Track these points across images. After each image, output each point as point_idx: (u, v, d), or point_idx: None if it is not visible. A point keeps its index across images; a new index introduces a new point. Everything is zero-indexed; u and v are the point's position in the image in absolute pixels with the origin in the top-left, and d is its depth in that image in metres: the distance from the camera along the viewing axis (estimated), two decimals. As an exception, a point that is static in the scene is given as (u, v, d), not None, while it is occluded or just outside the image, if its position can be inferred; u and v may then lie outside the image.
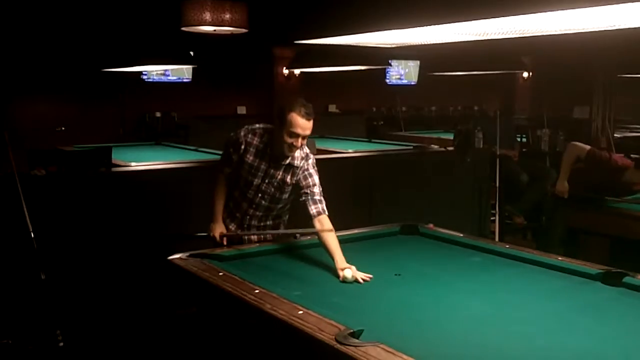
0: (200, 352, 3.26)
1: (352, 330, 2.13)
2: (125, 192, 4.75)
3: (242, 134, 3.42)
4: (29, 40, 8.02)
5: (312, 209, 3.23)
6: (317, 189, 3.31)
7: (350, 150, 6.94)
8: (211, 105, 10.20)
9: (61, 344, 3.78)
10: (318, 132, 8.66)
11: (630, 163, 4.63)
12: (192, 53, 7.17)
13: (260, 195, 3.43)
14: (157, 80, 9.72)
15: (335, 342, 2.07)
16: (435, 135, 9.03)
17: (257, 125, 3.43)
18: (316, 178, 3.34)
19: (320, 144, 6.58)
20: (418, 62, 11.95)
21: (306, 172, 3.34)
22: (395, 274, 2.95)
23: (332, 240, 3.07)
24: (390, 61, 10.10)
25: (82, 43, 8.05)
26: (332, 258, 2.99)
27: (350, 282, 2.81)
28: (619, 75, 7.90)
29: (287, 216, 3.66)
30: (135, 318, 4.42)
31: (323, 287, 2.81)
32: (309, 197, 3.27)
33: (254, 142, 3.39)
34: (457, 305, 2.60)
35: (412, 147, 7.10)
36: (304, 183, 3.33)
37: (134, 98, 9.62)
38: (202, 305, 3.12)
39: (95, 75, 8.23)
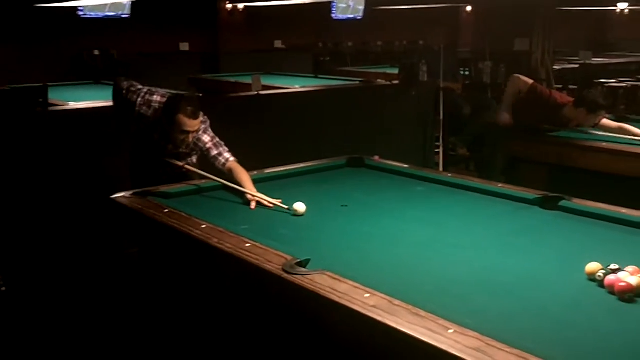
0: (148, 291, 3.26)
1: (298, 260, 2.16)
2: (64, 132, 4.60)
3: (138, 101, 3.52)
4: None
5: (217, 164, 3.38)
6: (210, 145, 3.42)
7: (297, 86, 6.87)
8: (152, 42, 9.89)
9: (3, 288, 3.73)
10: (264, 69, 8.57)
11: (569, 100, 4.72)
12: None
13: (160, 152, 3.52)
14: (94, 16, 9.33)
15: (282, 272, 2.10)
16: (381, 70, 9.02)
17: (154, 98, 3.51)
18: (206, 137, 3.44)
19: (266, 80, 6.49)
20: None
21: (195, 139, 3.42)
22: (342, 205, 2.99)
23: (243, 176, 3.19)
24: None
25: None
26: (245, 188, 3.10)
27: (301, 215, 2.83)
28: (557, 9, 8.00)
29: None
30: (81, 259, 4.37)
31: (270, 220, 2.82)
32: (209, 155, 3.41)
33: (148, 113, 3.50)
34: (402, 232, 2.66)
35: (358, 82, 7.09)
36: (198, 148, 3.46)
37: (70, 35, 9.23)
38: (148, 244, 3.10)
39: (27, 12, 7.84)
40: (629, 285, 1.98)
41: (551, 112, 4.67)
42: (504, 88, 5.04)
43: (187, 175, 3.49)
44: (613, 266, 2.09)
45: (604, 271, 2.08)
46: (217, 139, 3.45)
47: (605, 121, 4.62)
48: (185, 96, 3.46)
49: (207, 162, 3.45)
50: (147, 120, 3.49)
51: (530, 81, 4.86)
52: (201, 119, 3.35)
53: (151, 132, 3.49)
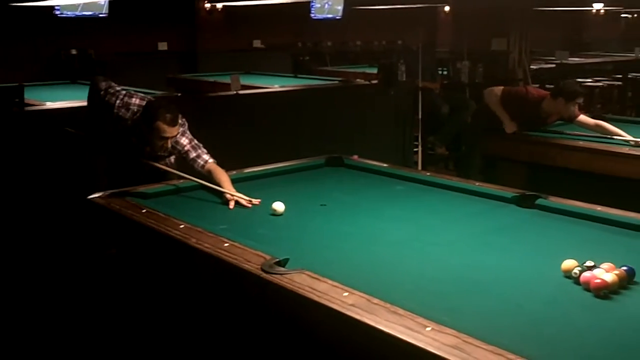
0: (127, 292, 3.23)
1: (277, 259, 2.16)
2: (40, 132, 4.54)
3: (117, 103, 3.49)
4: None
5: (196, 166, 3.36)
6: (188, 147, 3.41)
7: (276, 86, 6.86)
8: (130, 41, 9.79)
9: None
10: (243, 68, 8.54)
11: (546, 93, 4.76)
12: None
13: (138, 154, 3.49)
14: (71, 15, 9.23)
15: (261, 272, 2.09)
16: (360, 70, 9.03)
17: (133, 100, 3.49)
18: (185, 139, 3.42)
19: (245, 80, 6.46)
20: (342, -5, 11.80)
21: (173, 142, 3.39)
22: (321, 205, 2.99)
23: (222, 177, 3.17)
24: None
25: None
26: (223, 187, 3.09)
27: (279, 215, 2.83)
28: (534, 9, 8.08)
29: None
30: (58, 261, 4.32)
31: (249, 219, 2.82)
32: (187, 157, 3.39)
33: (126, 116, 3.47)
34: (381, 231, 2.67)
35: (337, 82, 7.09)
36: (176, 150, 3.43)
37: (47, 35, 9.11)
38: (126, 244, 3.08)
39: (2, 11, 7.73)
40: (604, 282, 2.00)
41: (531, 109, 4.70)
42: (488, 91, 5.01)
43: (165, 176, 3.46)
44: (589, 263, 2.11)
45: (579, 268, 2.10)
46: (195, 141, 3.43)
47: (583, 117, 4.67)
48: (164, 103, 3.42)
49: (186, 163, 3.43)
50: (125, 122, 3.47)
51: (501, 88, 4.90)
52: (180, 122, 3.33)
53: (129, 134, 3.46)
